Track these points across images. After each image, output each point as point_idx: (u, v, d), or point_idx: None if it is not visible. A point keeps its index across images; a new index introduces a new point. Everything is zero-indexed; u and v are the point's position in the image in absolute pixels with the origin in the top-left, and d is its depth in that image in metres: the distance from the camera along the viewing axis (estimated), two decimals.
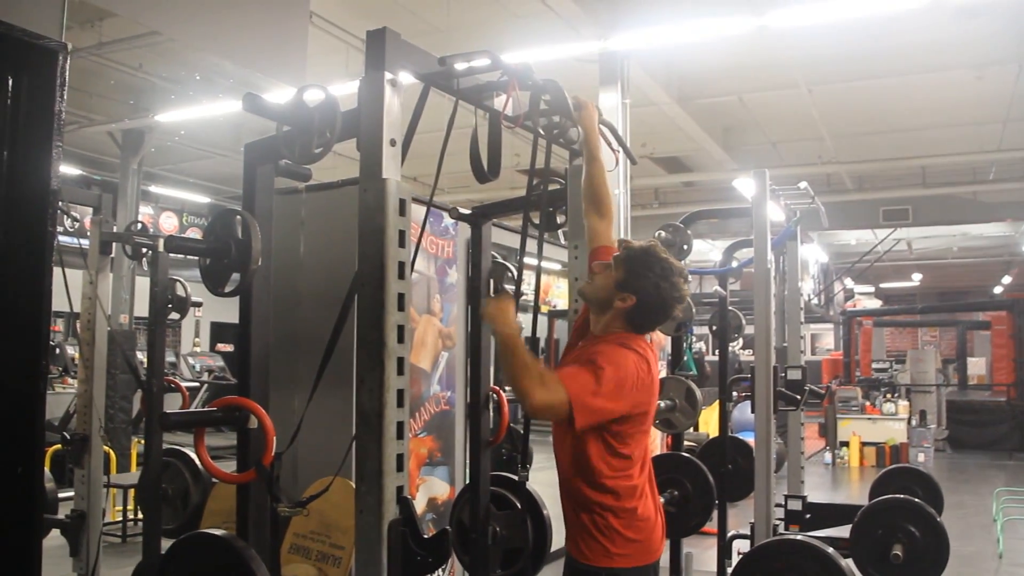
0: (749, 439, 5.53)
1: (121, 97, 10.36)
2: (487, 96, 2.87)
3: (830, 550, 3.89)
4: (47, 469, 5.01)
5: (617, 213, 6.99)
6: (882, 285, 25.97)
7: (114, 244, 4.74)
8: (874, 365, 19.76)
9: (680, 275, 2.75)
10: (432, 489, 4.51)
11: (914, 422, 13.98)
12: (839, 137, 11.88)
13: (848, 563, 4.00)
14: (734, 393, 6.75)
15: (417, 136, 2.62)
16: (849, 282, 23.43)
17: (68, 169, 12.24)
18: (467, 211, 3.74)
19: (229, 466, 2.93)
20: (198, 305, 4.78)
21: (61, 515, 4.74)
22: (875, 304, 24.68)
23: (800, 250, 6.23)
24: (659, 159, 13.07)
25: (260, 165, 2.86)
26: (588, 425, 2.57)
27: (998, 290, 24.85)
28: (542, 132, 3.13)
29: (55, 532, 4.62)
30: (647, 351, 2.73)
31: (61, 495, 5.36)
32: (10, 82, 2.24)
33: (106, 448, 5.09)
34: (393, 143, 2.34)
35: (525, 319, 3.28)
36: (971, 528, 8.46)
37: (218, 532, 2.63)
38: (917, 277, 24.88)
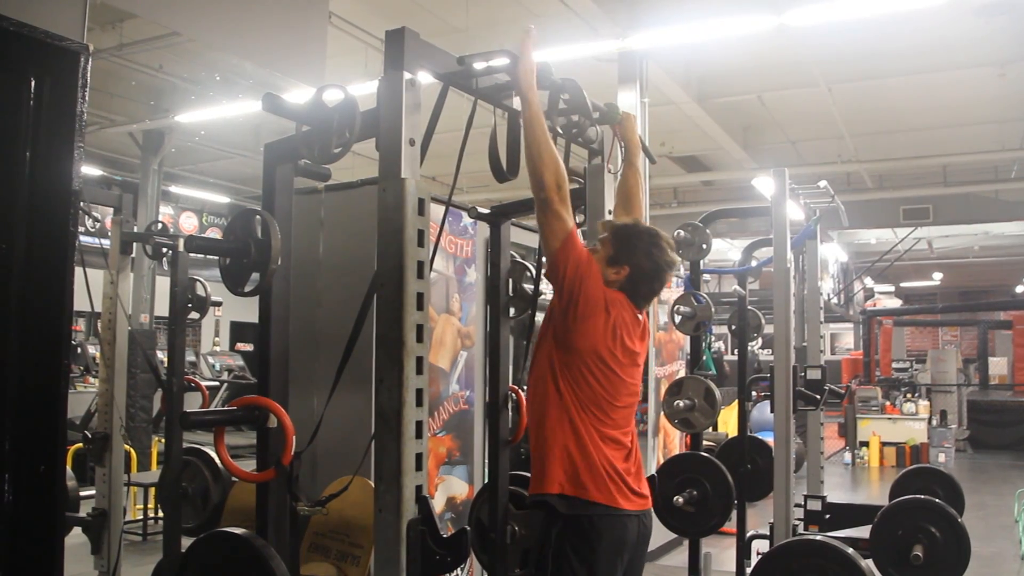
0: (768, 439, 5.50)
1: (142, 98, 10.43)
2: (506, 95, 2.87)
3: (850, 550, 3.86)
4: (69, 468, 5.04)
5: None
6: (902, 284, 25.81)
7: (135, 244, 4.77)
8: (894, 365, 19.62)
9: (667, 242, 2.85)
10: (451, 488, 4.51)
11: (934, 422, 13.87)
12: (859, 136, 11.81)
13: (868, 564, 3.98)
14: (753, 393, 6.73)
15: (436, 136, 2.62)
16: (869, 281, 23.30)
17: (89, 170, 12.34)
18: (486, 210, 3.74)
19: (249, 465, 2.94)
20: (218, 304, 4.80)
21: (82, 513, 4.77)
22: (895, 303, 24.52)
23: (820, 249, 6.19)
24: (678, 158, 13.04)
25: (279, 165, 2.87)
26: (566, 255, 2.66)
27: (1020, 289, 24.65)
28: (561, 131, 3.13)
29: (77, 530, 4.65)
30: (626, 310, 2.78)
31: (83, 493, 5.39)
32: (32, 83, 2.26)
33: (127, 447, 5.13)
34: (412, 143, 2.34)
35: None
36: (992, 529, 8.39)
37: (238, 531, 2.63)
38: (938, 276, 24.70)
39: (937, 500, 5.08)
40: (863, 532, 5.11)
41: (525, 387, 3.15)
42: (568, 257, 2.67)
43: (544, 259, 2.83)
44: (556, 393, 2.71)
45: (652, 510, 2.87)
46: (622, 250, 2.81)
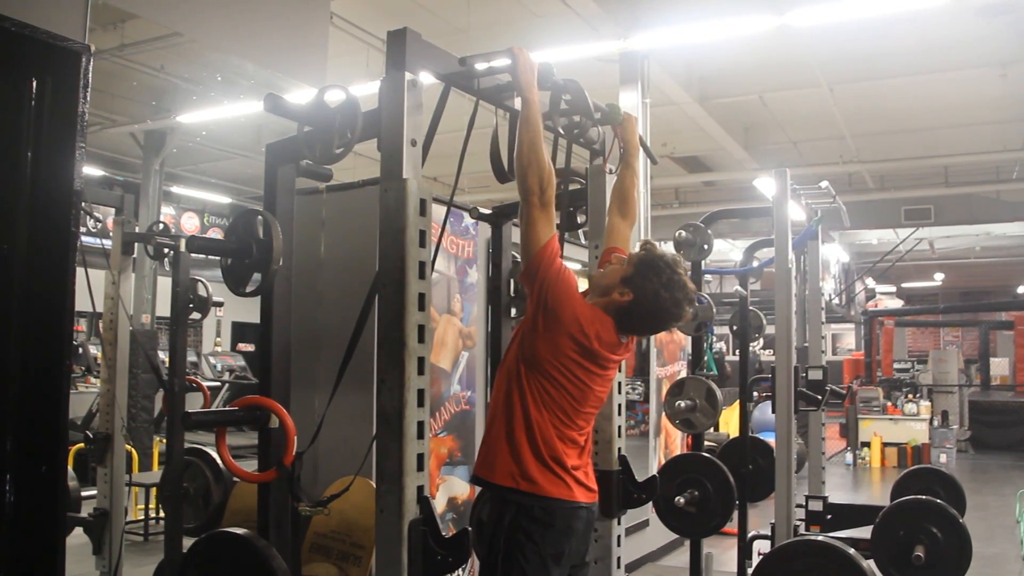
0: (770, 439, 5.50)
1: (143, 98, 10.42)
2: (507, 96, 2.87)
3: (851, 551, 3.87)
4: (70, 468, 5.05)
5: (637, 212, 7.00)
6: (904, 285, 25.79)
7: (136, 244, 4.78)
8: (896, 365, 19.59)
9: (685, 294, 2.78)
10: (452, 489, 4.51)
11: (936, 423, 13.86)
12: (861, 136, 11.80)
13: (869, 564, 3.98)
14: (754, 393, 6.72)
15: (437, 136, 2.62)
16: (870, 282, 23.27)
17: (91, 170, 12.33)
18: (487, 211, 3.74)
19: (250, 465, 2.94)
20: (219, 305, 4.80)
21: (84, 513, 4.78)
22: (897, 304, 24.50)
23: (821, 250, 6.19)
24: (679, 159, 13.03)
25: (281, 165, 2.88)
26: (540, 260, 2.63)
27: (1021, 289, 24.62)
28: (562, 132, 3.13)
29: (78, 530, 4.66)
30: (604, 328, 2.74)
31: (84, 494, 5.40)
32: (34, 84, 2.26)
33: (128, 447, 5.13)
34: (414, 143, 2.35)
35: None
36: (994, 529, 8.39)
37: (239, 531, 2.64)
38: (939, 277, 24.69)
39: (938, 501, 5.07)
40: (864, 532, 5.11)
41: None
42: (542, 263, 2.65)
43: (521, 261, 2.81)
44: (518, 391, 2.70)
45: (597, 503, 2.88)
46: (637, 276, 2.75)
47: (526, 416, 2.68)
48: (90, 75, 2.34)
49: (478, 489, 4.28)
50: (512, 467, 2.67)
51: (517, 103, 2.84)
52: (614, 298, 2.75)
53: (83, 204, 3.69)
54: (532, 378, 2.69)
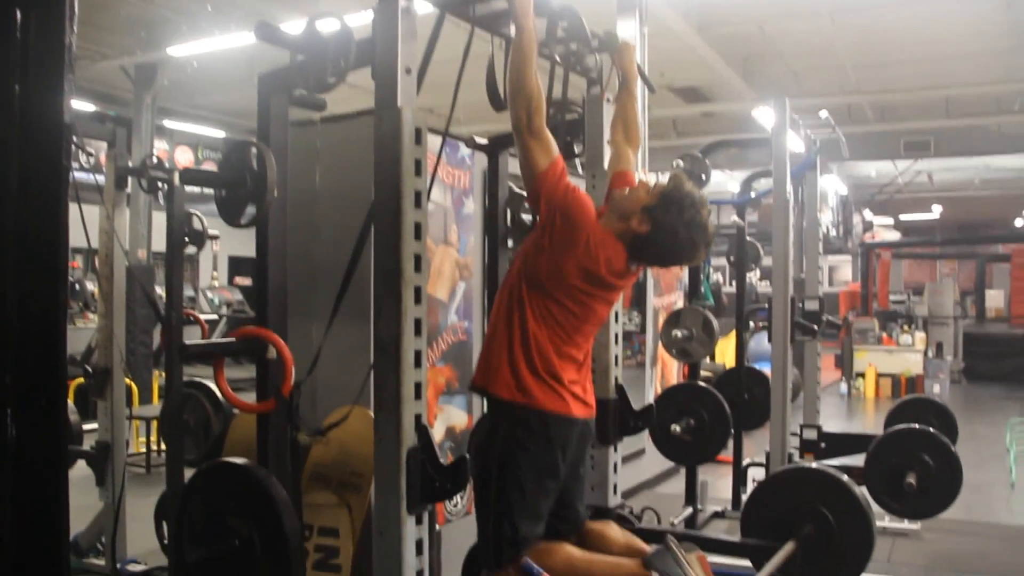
0: (765, 369, 5.54)
1: (132, 30, 10.24)
2: (504, 23, 2.82)
3: (844, 478, 3.92)
4: (71, 402, 5.09)
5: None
6: (901, 217, 25.68)
7: (130, 179, 4.74)
8: (892, 297, 19.67)
9: (704, 236, 2.76)
10: (450, 418, 4.55)
11: (930, 354, 13.97)
12: (861, 67, 11.64)
13: (862, 491, 4.03)
14: (751, 324, 6.75)
15: (433, 66, 2.58)
16: (868, 214, 23.21)
17: (82, 105, 12.15)
18: (484, 141, 3.71)
19: (249, 398, 2.96)
20: (215, 238, 4.79)
21: (86, 446, 4.82)
22: (894, 236, 24.48)
23: (819, 181, 6.16)
24: (677, 89, 12.86)
25: (274, 96, 2.84)
26: (543, 184, 2.63)
27: (1019, 223, 24.58)
28: (559, 60, 3.09)
29: (81, 463, 4.71)
30: (615, 254, 2.72)
31: (85, 427, 5.45)
32: (18, 15, 2.21)
33: (128, 381, 5.16)
34: (409, 72, 2.31)
35: None
36: (984, 458, 8.50)
37: (240, 461, 2.66)
38: (937, 209, 24.57)
39: (931, 430, 5.13)
40: (858, 461, 5.18)
41: None
42: (544, 186, 2.64)
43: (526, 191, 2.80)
44: (519, 308, 2.71)
45: (594, 420, 2.92)
46: (659, 208, 2.71)
47: (525, 332, 2.69)
48: (76, 5, 2.29)
49: (476, 418, 4.32)
50: (510, 380, 2.70)
51: (514, 31, 2.80)
52: (631, 225, 2.72)
53: (75, 138, 3.66)
54: (534, 296, 2.70)
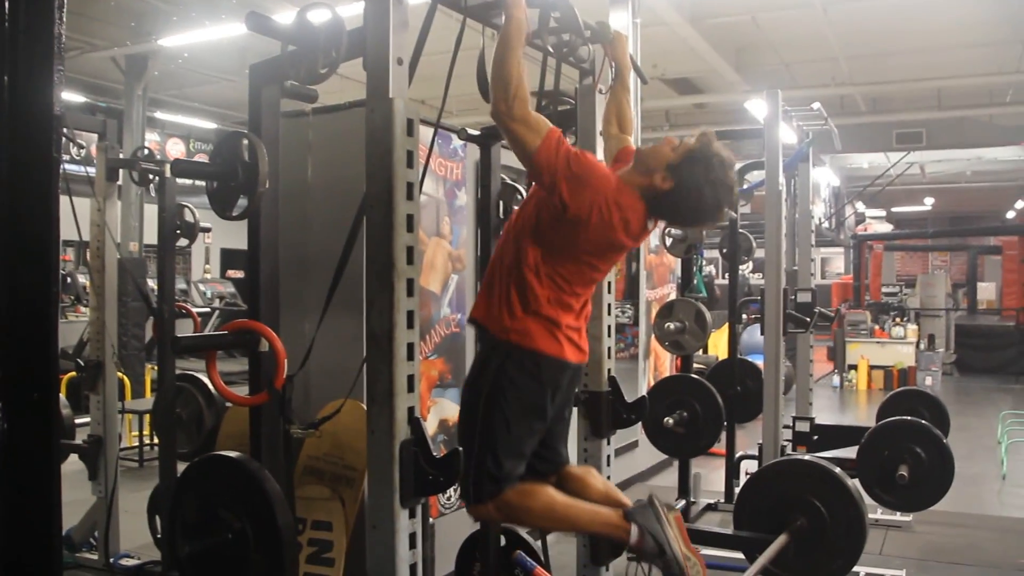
0: (758, 361, 5.55)
1: (123, 21, 10.19)
2: (496, 14, 2.80)
3: (837, 470, 3.93)
4: (63, 396, 5.06)
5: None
6: (894, 209, 25.76)
7: (121, 171, 4.71)
8: (884, 289, 19.72)
9: (729, 198, 2.70)
10: (443, 411, 4.55)
11: (922, 346, 14.00)
12: (854, 59, 11.65)
13: (855, 483, 4.04)
14: (743, 316, 6.76)
15: (425, 58, 2.57)
16: (860, 206, 23.25)
17: (72, 96, 12.12)
18: (476, 132, 3.70)
19: (242, 391, 2.95)
20: (207, 231, 4.78)
21: (78, 440, 4.81)
22: (886, 228, 24.53)
23: (812, 173, 6.17)
24: (670, 80, 12.86)
25: (265, 86, 2.82)
26: (544, 158, 2.55)
27: (1011, 215, 24.65)
28: (551, 51, 3.07)
29: (73, 457, 4.69)
30: (633, 214, 2.67)
31: (78, 421, 5.43)
32: (7, 5, 2.19)
33: (120, 375, 5.14)
34: (400, 62, 2.30)
35: None
36: (976, 450, 8.54)
37: (232, 454, 2.66)
38: (929, 201, 24.66)
39: (923, 422, 5.15)
40: (850, 453, 5.19)
41: None
42: (544, 159, 2.55)
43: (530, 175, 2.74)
44: (521, 256, 2.68)
45: (584, 364, 2.94)
46: (684, 165, 2.63)
47: (524, 278, 2.67)
48: None
49: None
50: (506, 319, 2.68)
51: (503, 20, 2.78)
52: (654, 182, 2.65)
53: (65, 130, 3.63)
54: (536, 252, 2.68)
